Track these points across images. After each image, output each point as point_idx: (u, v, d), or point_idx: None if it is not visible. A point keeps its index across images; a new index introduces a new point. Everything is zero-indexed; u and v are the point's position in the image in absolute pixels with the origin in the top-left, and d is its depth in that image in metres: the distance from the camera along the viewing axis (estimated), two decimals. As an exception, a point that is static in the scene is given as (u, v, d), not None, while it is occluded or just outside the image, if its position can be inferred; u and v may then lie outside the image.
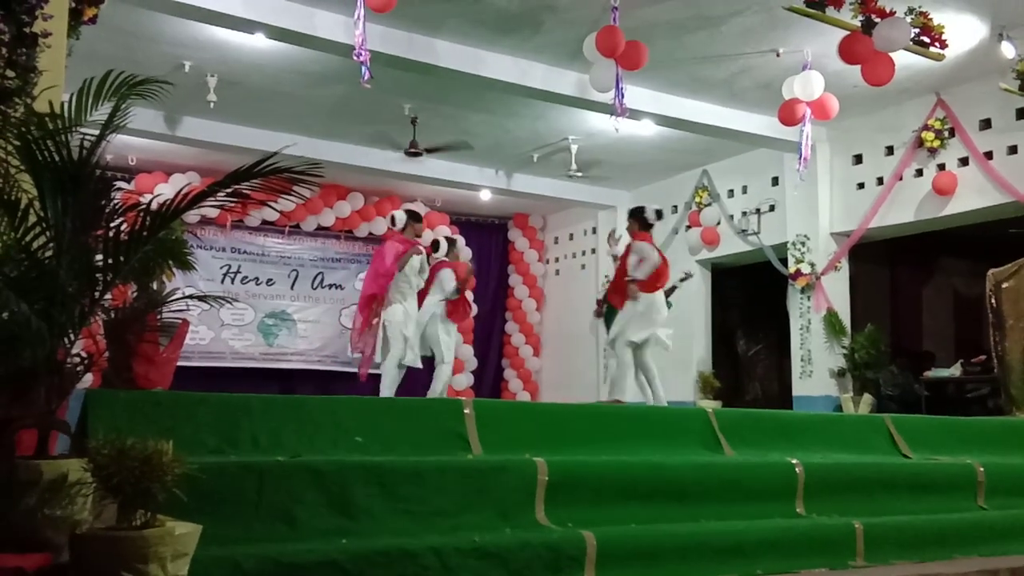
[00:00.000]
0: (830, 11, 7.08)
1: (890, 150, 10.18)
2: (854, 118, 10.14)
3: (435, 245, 8.88)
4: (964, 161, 9.45)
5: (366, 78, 7.06)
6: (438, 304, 8.59)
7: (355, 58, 6.96)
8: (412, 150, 10.95)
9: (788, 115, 8.62)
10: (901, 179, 9.99)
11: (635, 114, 9.41)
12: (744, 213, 11.80)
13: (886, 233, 10.59)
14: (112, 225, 3.04)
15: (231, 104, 9.81)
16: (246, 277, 13.15)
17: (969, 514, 5.37)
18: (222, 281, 12.84)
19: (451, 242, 9.19)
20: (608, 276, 13.72)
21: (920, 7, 7.47)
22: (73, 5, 3.99)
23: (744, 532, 4.33)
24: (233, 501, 3.36)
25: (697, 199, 12.41)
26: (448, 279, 8.60)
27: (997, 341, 8.73)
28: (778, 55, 8.58)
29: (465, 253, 13.50)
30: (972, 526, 5.18)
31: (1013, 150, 9.05)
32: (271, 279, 13.34)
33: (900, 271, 12.21)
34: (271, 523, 3.42)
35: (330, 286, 13.77)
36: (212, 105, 9.35)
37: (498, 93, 9.45)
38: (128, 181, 11.65)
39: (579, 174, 11.87)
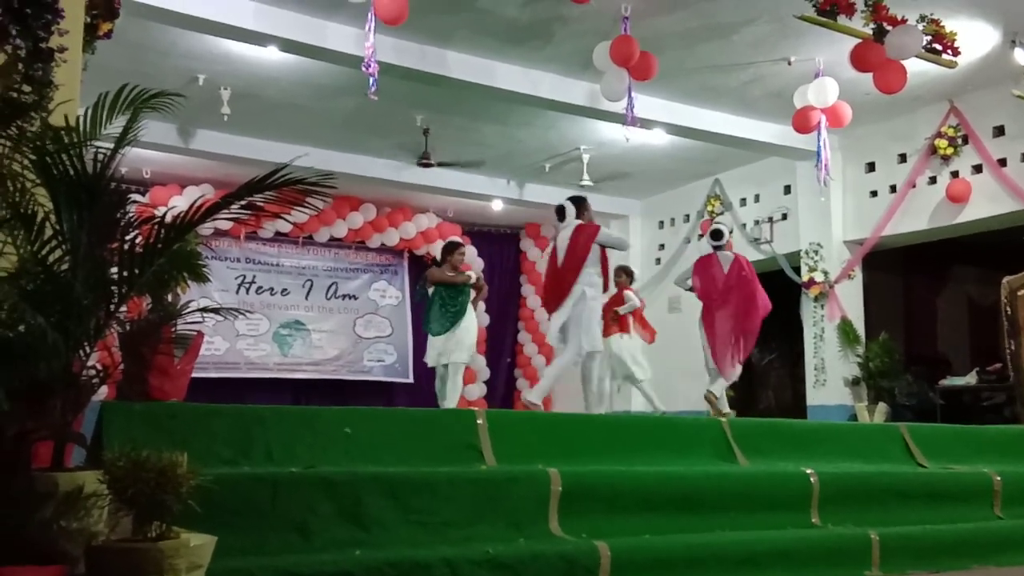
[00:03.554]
0: (841, 19, 7.08)
1: (903, 158, 10.15)
2: (866, 126, 10.12)
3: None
4: (978, 168, 9.42)
5: (373, 90, 7.08)
6: None
7: (364, 70, 6.99)
8: (424, 161, 10.99)
9: (802, 122, 8.61)
10: (914, 187, 9.97)
11: (647, 123, 9.42)
12: (757, 222, 11.78)
13: (900, 241, 10.55)
14: (127, 238, 3.05)
15: (245, 117, 9.86)
16: (261, 287, 13.18)
17: (986, 523, 5.33)
18: (237, 292, 12.88)
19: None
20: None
21: (932, 14, 7.46)
22: (88, 20, 4.03)
23: (759, 542, 4.31)
24: (247, 513, 3.36)
25: (709, 208, 12.40)
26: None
27: (1012, 349, 8.67)
28: (789, 64, 8.59)
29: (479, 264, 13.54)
30: (989, 536, 5.15)
31: (1027, 157, 9.02)
32: (286, 289, 13.37)
33: (914, 279, 12.14)
34: (285, 534, 3.42)
35: (344, 296, 13.80)
36: (226, 118, 9.40)
37: (509, 104, 9.48)
38: (143, 194, 11.70)
39: (591, 184, 11.87)
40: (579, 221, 7.48)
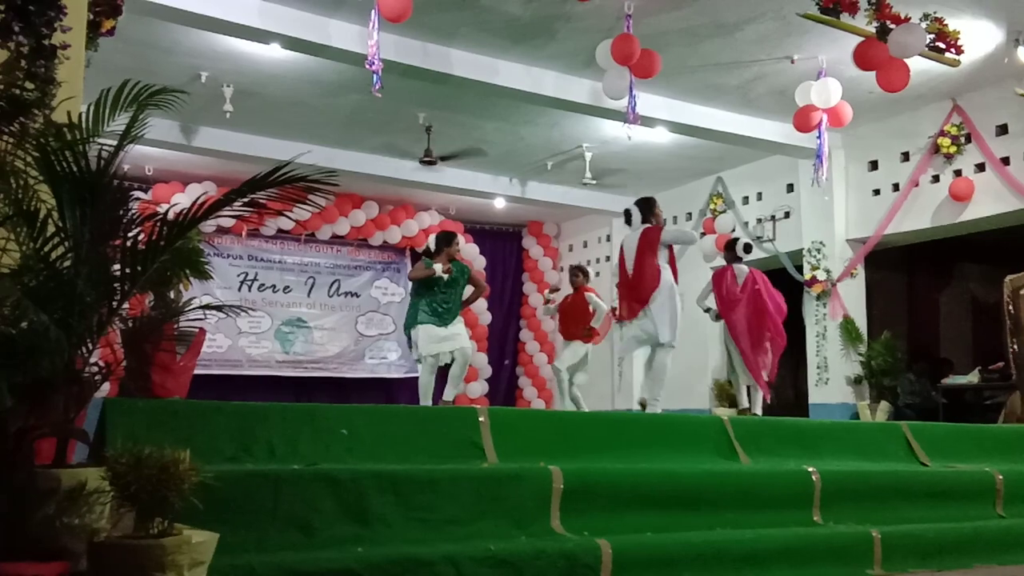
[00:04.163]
0: (844, 17, 7.06)
1: (906, 156, 10.14)
2: (869, 124, 10.11)
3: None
4: (981, 167, 9.40)
5: (377, 87, 7.09)
6: None
7: (368, 67, 6.99)
8: (426, 159, 11.00)
9: (803, 122, 8.59)
10: (917, 185, 9.95)
11: (649, 121, 9.42)
12: (759, 220, 11.77)
13: (902, 239, 10.54)
14: (130, 235, 3.06)
15: (247, 114, 9.87)
16: (263, 284, 13.21)
17: (988, 522, 5.32)
18: (239, 289, 12.91)
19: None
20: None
21: (935, 13, 7.44)
22: (91, 17, 4.04)
23: (760, 540, 4.31)
24: (249, 509, 3.37)
25: (712, 206, 12.40)
26: None
27: (1015, 348, 8.66)
28: (792, 62, 8.58)
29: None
30: (991, 534, 5.14)
31: (1030, 156, 9.01)
32: (288, 286, 13.40)
33: (917, 278, 12.14)
34: (287, 531, 3.43)
35: (346, 294, 13.82)
36: (228, 115, 9.40)
37: (512, 101, 9.47)
38: (145, 191, 11.73)
39: (593, 182, 11.87)
40: (646, 225, 7.59)
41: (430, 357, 8.25)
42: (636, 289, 7.45)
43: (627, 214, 7.74)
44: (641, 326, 7.45)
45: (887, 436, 6.01)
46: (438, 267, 8.21)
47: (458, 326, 8.40)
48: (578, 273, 9.89)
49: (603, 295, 13.96)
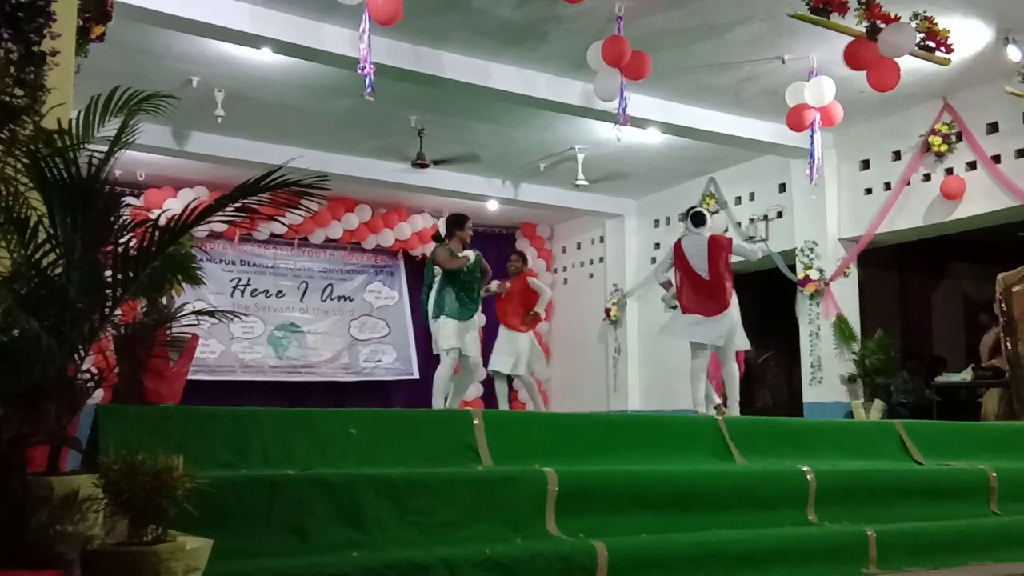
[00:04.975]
0: (835, 17, 7.09)
1: (897, 155, 10.17)
2: (861, 124, 10.14)
3: None
4: (972, 165, 9.44)
5: (369, 91, 7.09)
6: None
7: (360, 71, 6.99)
8: (419, 161, 10.99)
9: (796, 120, 8.61)
10: (909, 184, 9.98)
11: (641, 122, 9.44)
12: (752, 220, 11.80)
13: (895, 238, 10.57)
14: (121, 241, 3.04)
15: (239, 119, 9.85)
16: (256, 289, 13.19)
17: (982, 520, 5.33)
18: (232, 294, 12.88)
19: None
20: (616, 285, 13.78)
21: (925, 12, 7.47)
22: (81, 23, 4.02)
23: (756, 540, 4.31)
24: (244, 515, 3.36)
25: (704, 206, 12.40)
26: None
27: (1008, 345, 8.69)
28: (784, 62, 8.60)
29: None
30: (985, 532, 5.15)
31: (1021, 154, 9.04)
32: (281, 291, 13.38)
33: (909, 276, 12.17)
34: (282, 536, 3.42)
35: (339, 298, 13.80)
36: (220, 120, 9.39)
37: (504, 104, 9.48)
38: (137, 197, 11.72)
39: (586, 183, 11.89)
40: (711, 232, 7.95)
41: (453, 350, 8.13)
42: (716, 292, 7.75)
43: (700, 217, 8.08)
44: (716, 331, 7.75)
45: (881, 435, 6.02)
46: (470, 254, 8.17)
47: (476, 319, 8.50)
48: (518, 259, 9.90)
49: (598, 295, 14.03)
